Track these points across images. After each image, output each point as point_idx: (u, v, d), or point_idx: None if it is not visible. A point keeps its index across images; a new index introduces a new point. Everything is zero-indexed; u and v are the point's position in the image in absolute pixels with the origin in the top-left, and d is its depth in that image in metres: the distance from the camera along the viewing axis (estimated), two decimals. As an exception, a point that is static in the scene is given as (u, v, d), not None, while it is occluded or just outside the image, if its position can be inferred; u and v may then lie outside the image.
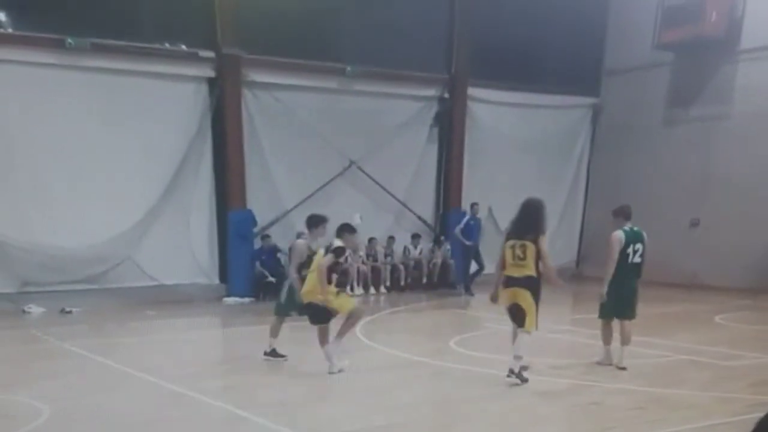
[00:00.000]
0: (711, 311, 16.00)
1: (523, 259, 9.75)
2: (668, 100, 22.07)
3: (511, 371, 9.80)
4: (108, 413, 8.74)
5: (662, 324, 14.47)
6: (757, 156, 19.20)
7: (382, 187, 20.53)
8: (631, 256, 10.62)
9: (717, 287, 18.99)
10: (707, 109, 21.02)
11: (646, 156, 21.92)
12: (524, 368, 9.97)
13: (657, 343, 12.46)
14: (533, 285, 9.73)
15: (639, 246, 10.66)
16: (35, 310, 16.54)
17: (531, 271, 9.71)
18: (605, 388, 9.80)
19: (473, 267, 19.78)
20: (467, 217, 19.97)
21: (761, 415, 1.18)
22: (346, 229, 10.71)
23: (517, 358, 9.83)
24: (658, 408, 8.89)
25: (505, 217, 19.91)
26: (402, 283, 20.18)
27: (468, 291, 19.58)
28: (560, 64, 22.56)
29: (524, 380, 9.85)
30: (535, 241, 9.72)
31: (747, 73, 20.09)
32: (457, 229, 20.25)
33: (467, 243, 19.70)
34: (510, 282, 9.88)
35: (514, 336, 10.06)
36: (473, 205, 19.99)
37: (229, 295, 18.48)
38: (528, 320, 9.77)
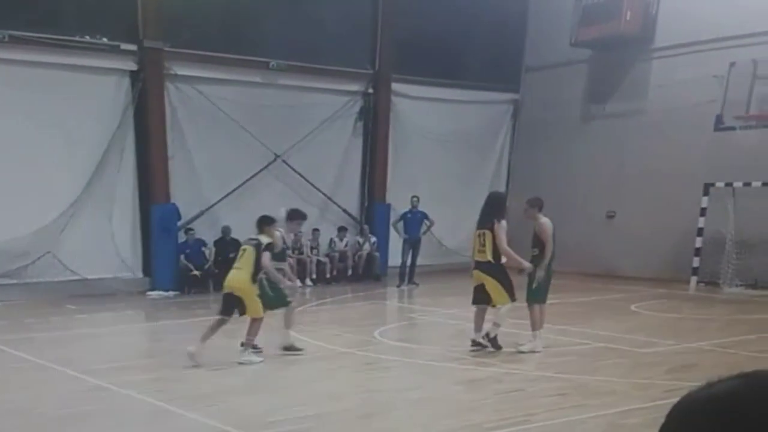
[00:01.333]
0: (627, 300, 16.31)
1: (483, 245, 10.86)
2: (586, 96, 22.41)
3: (487, 335, 10.88)
4: (28, 408, 8.49)
5: (580, 313, 14.70)
6: (670, 150, 19.62)
7: (308, 181, 20.38)
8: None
9: (632, 277, 19.38)
10: (623, 104, 21.40)
11: (564, 150, 22.23)
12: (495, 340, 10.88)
13: (576, 332, 12.65)
14: (491, 269, 10.80)
15: None
16: (-49, 304, 15.92)
17: (489, 257, 10.78)
18: (527, 375, 9.91)
19: (412, 259, 19.86)
20: (405, 211, 20.01)
21: (677, 399, 1.15)
22: (267, 222, 10.73)
23: (496, 325, 10.91)
24: (579, 394, 9.01)
25: (431, 208, 20.14)
26: (328, 275, 20.06)
27: (411, 281, 19.66)
28: (481, 60, 22.72)
29: (497, 347, 10.86)
30: (492, 229, 10.72)
31: (661, 70, 20.52)
32: (394, 222, 20.33)
33: (404, 236, 19.80)
34: (475, 266, 11.01)
35: (477, 315, 11.13)
36: (412, 198, 20.07)
37: (153, 289, 18.11)
38: (495, 298, 10.87)
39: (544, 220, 11.27)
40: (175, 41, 18.26)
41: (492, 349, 10.99)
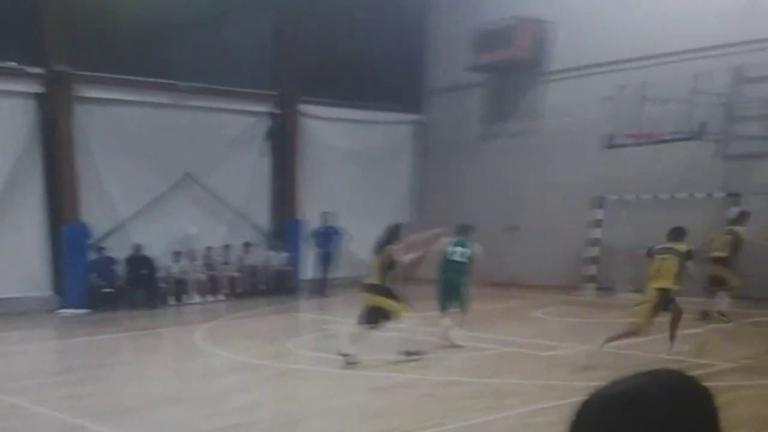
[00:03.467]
0: (531, 307, 16.54)
1: (374, 269, 11.18)
2: (485, 117, 22.73)
3: (405, 352, 11.00)
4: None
5: (488, 320, 14.80)
6: (566, 166, 20.05)
7: (218, 198, 20.05)
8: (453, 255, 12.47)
9: (535, 285, 19.62)
10: (520, 125, 21.79)
11: (468, 169, 22.50)
12: (352, 363, 10.73)
13: (484, 337, 12.71)
14: (378, 290, 11.03)
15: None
16: None
17: (376, 280, 11.07)
18: (438, 380, 9.91)
19: (324, 272, 19.74)
20: (317, 225, 19.87)
21: (582, 398, 1.25)
22: None
23: (409, 339, 11.04)
24: (487, 397, 9.06)
25: (343, 224, 20.04)
26: (240, 290, 19.68)
27: (324, 294, 19.50)
28: (386, 82, 22.79)
29: (416, 355, 10.94)
30: (381, 255, 11.10)
31: (554, 92, 20.97)
32: (306, 237, 20.22)
33: (317, 250, 19.86)
34: (365, 288, 11.30)
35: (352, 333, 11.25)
36: (323, 214, 19.93)
37: (63, 307, 17.42)
38: (395, 312, 10.99)
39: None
40: (84, 64, 17.74)
41: (418, 358, 10.98)
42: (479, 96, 22.66)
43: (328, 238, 19.88)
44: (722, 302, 14.04)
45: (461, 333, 12.23)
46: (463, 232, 12.90)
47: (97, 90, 18.17)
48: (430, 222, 22.17)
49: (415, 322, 11.19)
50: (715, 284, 14.07)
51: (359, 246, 21.18)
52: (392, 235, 11.39)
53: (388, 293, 11.04)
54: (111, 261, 18.28)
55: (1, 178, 17.17)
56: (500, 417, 8.24)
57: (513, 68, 21.25)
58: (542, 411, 8.34)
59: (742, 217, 14.06)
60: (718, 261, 13.96)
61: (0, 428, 8.10)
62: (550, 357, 11.23)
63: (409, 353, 10.99)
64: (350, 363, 10.65)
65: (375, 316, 11.04)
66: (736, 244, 13.80)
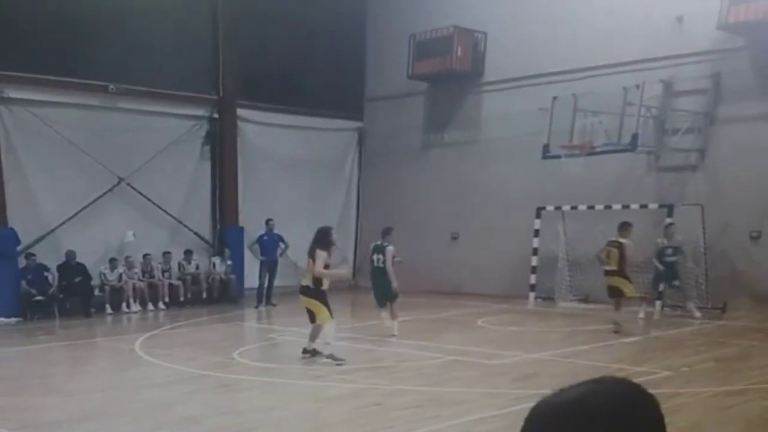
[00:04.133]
0: (473, 315, 16.56)
1: (306, 271, 11.81)
2: (425, 126, 22.79)
3: (325, 355, 11.41)
4: None
5: (432, 329, 14.84)
6: (504, 176, 20.22)
7: (155, 204, 19.60)
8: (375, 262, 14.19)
9: (477, 294, 19.65)
10: (458, 134, 21.92)
11: (408, 177, 22.52)
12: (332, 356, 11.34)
13: (428, 346, 12.70)
14: (309, 292, 11.54)
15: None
16: None
17: (309, 282, 11.60)
18: (385, 390, 9.84)
19: (269, 280, 19.42)
20: (261, 233, 19.57)
21: (525, 406, 1.27)
22: None
23: (327, 344, 11.44)
24: (433, 405, 9.03)
25: (284, 230, 19.83)
26: (181, 298, 19.24)
27: (268, 302, 19.22)
28: (326, 89, 22.68)
29: (340, 360, 11.26)
30: (313, 257, 11.54)
31: (491, 103, 21.18)
32: (249, 245, 19.88)
33: (261, 258, 19.46)
34: (300, 290, 11.87)
35: (313, 331, 11.70)
36: (268, 221, 19.64)
37: (-7, 316, 16.76)
38: (318, 317, 11.46)
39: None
40: (8, 64, 17.16)
41: (330, 361, 11.28)
42: (419, 104, 22.74)
43: (272, 245, 19.58)
44: (617, 315, 14.18)
45: (395, 324, 13.72)
46: (384, 234, 14.32)
47: (23, 91, 17.64)
48: (372, 233, 22.31)
49: (333, 328, 11.54)
50: (614, 296, 14.28)
51: (300, 254, 21.01)
52: (321, 238, 11.78)
53: (317, 297, 11.45)
54: (43, 268, 17.69)
55: None
56: (445, 426, 8.21)
57: (451, 78, 21.40)
58: (486, 420, 8.36)
59: (623, 228, 14.38)
60: (610, 273, 14.17)
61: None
62: (493, 365, 11.26)
63: (334, 358, 11.29)
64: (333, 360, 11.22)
65: (310, 316, 11.55)
66: (623, 255, 14.11)
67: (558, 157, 17.95)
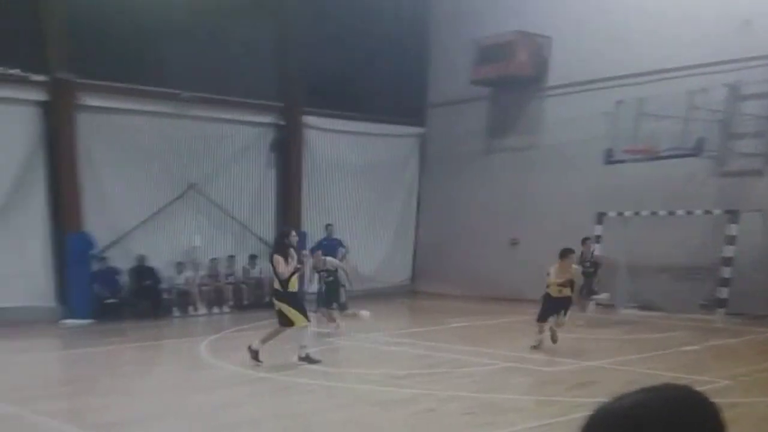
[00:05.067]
0: (530, 322, 16.31)
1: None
2: (487, 131, 22.72)
3: (300, 357, 11.74)
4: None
5: (489, 335, 14.82)
6: (565, 182, 20.06)
7: (223, 210, 20.02)
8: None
9: (534, 300, 19.34)
10: (520, 139, 21.81)
11: (469, 182, 22.48)
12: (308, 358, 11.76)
13: (485, 352, 12.71)
14: (278, 295, 11.87)
15: None
16: None
17: (277, 285, 11.91)
18: (439, 396, 9.87)
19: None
20: (321, 238, 19.80)
21: (581, 415, 1.25)
22: None
23: (303, 347, 11.79)
24: (487, 412, 9.04)
25: (344, 236, 20.03)
26: (245, 302, 19.61)
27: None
28: (388, 96, 22.80)
29: (315, 361, 11.64)
30: (271, 262, 11.95)
31: (554, 107, 21.00)
32: (308, 250, 20.10)
33: None
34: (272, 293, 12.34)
35: (273, 333, 12.00)
36: (327, 226, 19.85)
37: (67, 318, 17.35)
38: (296, 322, 11.74)
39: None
40: (87, 73, 17.73)
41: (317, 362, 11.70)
42: (481, 109, 22.68)
43: (331, 250, 19.73)
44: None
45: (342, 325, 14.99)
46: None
47: (100, 98, 18.09)
48: (432, 238, 22.35)
49: (309, 331, 12.04)
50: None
51: (360, 258, 21.23)
52: (276, 242, 12.21)
53: (286, 301, 11.76)
54: (114, 271, 18.23)
55: (6, 186, 17.07)
56: (500, 433, 8.23)
57: (513, 82, 21.29)
58: (540, 428, 8.33)
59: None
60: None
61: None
62: (549, 373, 11.21)
63: (310, 359, 11.69)
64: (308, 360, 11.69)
65: (282, 320, 11.85)
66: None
67: (621, 161, 17.75)
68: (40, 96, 17.47)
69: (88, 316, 17.43)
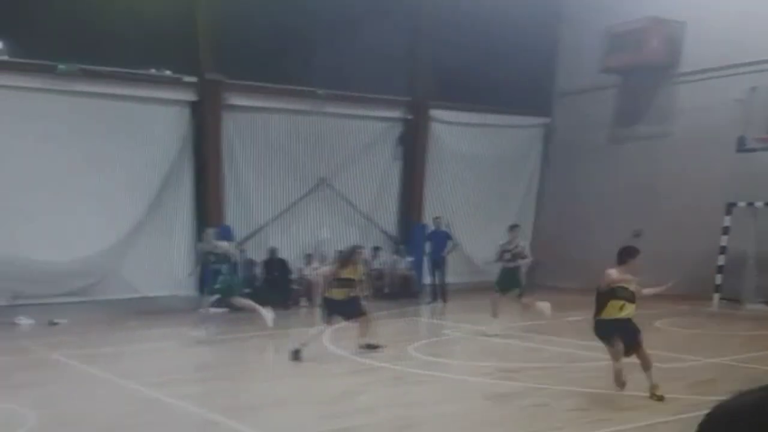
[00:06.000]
0: (651, 317, 15.81)
1: None
2: (615, 120, 22.18)
3: (292, 351, 11.84)
4: (90, 418, 8.70)
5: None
6: (695, 171, 19.29)
7: (349, 203, 20.51)
8: None
9: (656, 294, 18.85)
10: (651, 127, 21.14)
11: (594, 172, 21.98)
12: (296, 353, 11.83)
13: (600, 347, 12.44)
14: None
15: None
16: (25, 321, 16.20)
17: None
18: (552, 390, 9.79)
19: (440, 277, 19.64)
20: (430, 231, 19.91)
21: (700, 413, 1.20)
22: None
23: (303, 344, 11.91)
24: (602, 409, 8.91)
25: (463, 228, 20.08)
26: (366, 293, 19.94)
27: (437, 299, 19.51)
28: (514, 86, 22.52)
29: (298, 359, 11.67)
30: None
31: (686, 94, 20.25)
32: (422, 241, 20.34)
33: (429, 254, 19.78)
34: None
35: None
36: (435, 219, 19.99)
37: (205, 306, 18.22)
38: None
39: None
40: (232, 73, 18.51)
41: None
42: (609, 98, 22.13)
43: (438, 242, 19.78)
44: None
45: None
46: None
47: (244, 98, 18.87)
48: (552, 229, 21.96)
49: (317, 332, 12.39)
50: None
51: (476, 250, 21.17)
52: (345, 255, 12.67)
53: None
54: (250, 263, 19.02)
55: (158, 180, 18.05)
56: (615, 430, 8.09)
57: (644, 70, 20.67)
58: (658, 426, 8.07)
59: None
60: None
61: (141, 420, 8.65)
62: (669, 369, 10.88)
63: (296, 356, 11.72)
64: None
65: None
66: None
67: (753, 150, 16.96)
68: (190, 96, 18.37)
69: (225, 305, 18.28)
